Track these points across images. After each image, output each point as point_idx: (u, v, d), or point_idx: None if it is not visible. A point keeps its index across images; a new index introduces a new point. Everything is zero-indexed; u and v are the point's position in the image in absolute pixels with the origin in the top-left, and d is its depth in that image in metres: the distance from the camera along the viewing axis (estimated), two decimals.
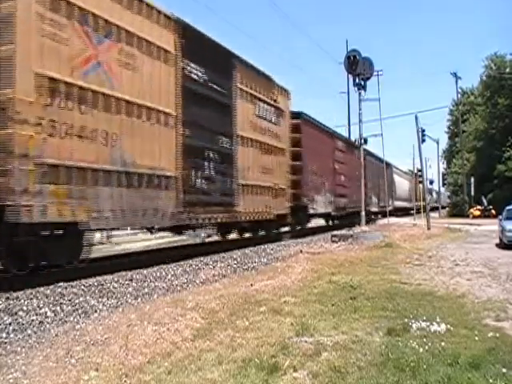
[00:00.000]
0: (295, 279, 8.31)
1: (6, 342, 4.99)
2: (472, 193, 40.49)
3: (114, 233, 10.91)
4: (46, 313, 6.04)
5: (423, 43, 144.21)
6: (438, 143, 46.72)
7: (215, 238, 16.24)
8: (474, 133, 45.26)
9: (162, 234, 13.55)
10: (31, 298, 6.51)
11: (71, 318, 5.97)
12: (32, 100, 6.98)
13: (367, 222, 23.74)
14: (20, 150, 6.82)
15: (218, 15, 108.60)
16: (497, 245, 15.07)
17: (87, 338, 4.89)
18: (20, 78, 6.86)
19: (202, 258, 10.86)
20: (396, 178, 43.16)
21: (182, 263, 10.04)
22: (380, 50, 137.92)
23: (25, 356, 4.48)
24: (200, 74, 11.30)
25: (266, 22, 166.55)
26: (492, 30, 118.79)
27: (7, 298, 6.41)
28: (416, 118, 24.85)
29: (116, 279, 8.08)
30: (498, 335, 4.89)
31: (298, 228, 19.35)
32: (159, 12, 9.95)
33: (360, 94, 21.12)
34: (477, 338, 4.77)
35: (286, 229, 18.07)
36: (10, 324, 5.52)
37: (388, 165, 36.44)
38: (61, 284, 7.32)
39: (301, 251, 12.63)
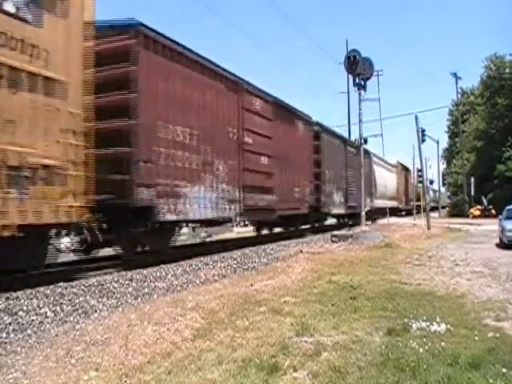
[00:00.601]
0: (295, 279, 8.31)
1: (5, 342, 4.99)
2: (472, 193, 40.47)
3: None
4: (45, 313, 6.04)
5: (423, 43, 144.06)
6: (437, 143, 46.87)
7: (215, 237, 16.26)
8: (473, 133, 45.25)
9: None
10: (31, 298, 6.50)
11: (71, 318, 5.97)
12: None
13: (316, 232, 20.16)
14: None
15: (218, 15, 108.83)
16: (497, 245, 15.08)
17: (87, 338, 4.89)
18: None
19: (201, 258, 10.86)
20: (377, 169, 32.52)
21: (181, 263, 10.03)
22: (380, 49, 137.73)
23: (25, 356, 4.47)
24: None
25: (266, 22, 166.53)
26: (492, 30, 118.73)
27: (7, 298, 6.39)
28: (416, 118, 24.87)
29: (116, 279, 8.07)
30: (497, 335, 4.90)
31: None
32: None
33: (360, 93, 21.04)
34: (477, 338, 4.77)
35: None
36: (9, 324, 5.52)
37: (367, 153, 26.71)
38: (61, 284, 7.31)
39: (301, 251, 12.64)
